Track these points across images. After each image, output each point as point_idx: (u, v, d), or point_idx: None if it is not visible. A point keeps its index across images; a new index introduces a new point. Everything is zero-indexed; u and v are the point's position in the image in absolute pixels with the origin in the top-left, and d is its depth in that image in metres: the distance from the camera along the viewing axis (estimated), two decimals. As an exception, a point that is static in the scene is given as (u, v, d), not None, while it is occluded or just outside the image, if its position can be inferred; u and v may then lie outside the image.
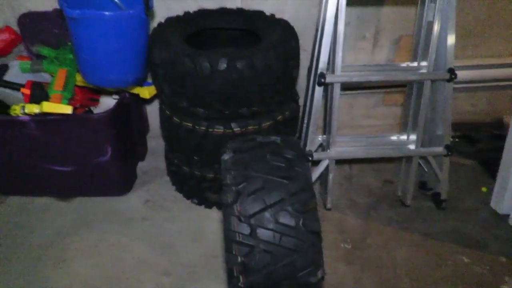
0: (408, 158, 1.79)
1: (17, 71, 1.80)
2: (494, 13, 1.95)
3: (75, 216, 1.80)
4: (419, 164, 1.83)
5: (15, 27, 1.86)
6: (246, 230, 1.03)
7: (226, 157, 1.19)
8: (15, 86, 1.69)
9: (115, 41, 1.34)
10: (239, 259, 1.03)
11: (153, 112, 2.18)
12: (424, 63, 1.64)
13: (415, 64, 1.69)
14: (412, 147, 1.76)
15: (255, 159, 1.16)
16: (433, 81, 1.63)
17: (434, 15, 1.51)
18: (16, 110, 1.60)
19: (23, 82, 1.69)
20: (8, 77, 1.78)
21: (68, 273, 1.55)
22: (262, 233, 1.03)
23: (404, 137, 1.84)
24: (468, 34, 2.00)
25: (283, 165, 1.14)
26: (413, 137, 1.78)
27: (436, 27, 1.52)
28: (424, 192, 1.92)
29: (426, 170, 1.88)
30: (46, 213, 1.82)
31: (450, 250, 1.65)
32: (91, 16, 1.26)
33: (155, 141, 2.22)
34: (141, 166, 2.11)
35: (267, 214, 1.04)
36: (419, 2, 1.64)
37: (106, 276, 1.54)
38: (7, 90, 1.73)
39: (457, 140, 2.18)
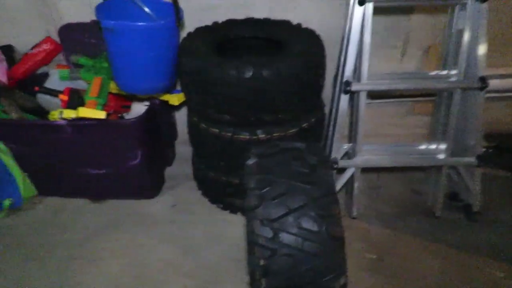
0: (438, 168, 1.74)
1: (57, 78, 1.92)
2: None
3: (106, 218, 1.88)
4: (450, 174, 1.78)
5: (56, 38, 1.98)
6: (268, 233, 1.05)
7: (250, 162, 1.22)
8: (55, 93, 1.79)
9: (147, 50, 1.41)
10: (261, 262, 1.04)
11: (181, 119, 2.25)
12: (454, 72, 1.61)
13: (445, 72, 1.66)
14: (441, 156, 1.72)
15: (279, 164, 1.17)
16: (463, 89, 1.59)
17: (464, 23, 1.49)
18: (55, 116, 1.69)
19: (62, 89, 1.79)
20: (48, 84, 1.90)
21: (99, 272, 1.61)
22: (284, 237, 1.04)
23: (433, 146, 1.79)
24: (498, 42, 1.94)
25: (306, 170, 1.15)
26: (442, 146, 1.74)
27: (466, 35, 1.49)
28: (455, 204, 1.86)
29: (456, 180, 1.82)
30: (80, 214, 1.91)
31: (483, 264, 1.58)
32: (125, 26, 1.33)
33: (183, 147, 2.28)
34: (169, 171, 2.17)
35: (290, 219, 1.06)
36: (449, 10, 1.61)
37: (134, 276, 1.59)
38: (47, 97, 1.84)
39: (489, 150, 2.10)
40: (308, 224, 1.04)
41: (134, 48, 1.38)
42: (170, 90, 1.78)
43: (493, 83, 1.56)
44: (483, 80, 1.51)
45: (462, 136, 1.72)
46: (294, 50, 1.51)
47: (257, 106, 1.46)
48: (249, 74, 1.39)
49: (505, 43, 1.94)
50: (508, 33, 1.92)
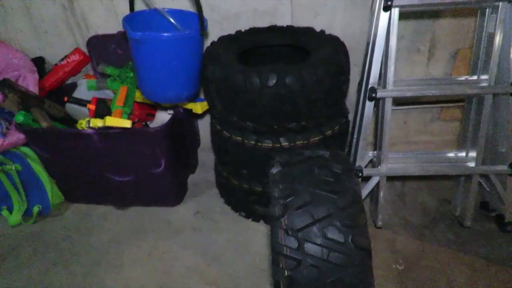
0: (467, 177, 1.68)
1: (84, 88, 1.98)
2: None
3: (130, 224, 1.90)
4: (480, 183, 1.71)
5: (84, 49, 2.04)
6: (293, 244, 1.03)
7: (274, 170, 1.21)
8: (83, 102, 1.85)
9: (173, 60, 1.43)
10: (286, 272, 1.02)
11: (203, 126, 2.27)
12: (484, 77, 1.56)
13: (475, 77, 1.60)
14: (471, 164, 1.66)
15: (303, 173, 1.16)
16: (495, 95, 1.53)
17: (495, 26, 1.44)
18: (83, 124, 1.74)
19: (89, 98, 1.84)
20: (76, 94, 1.96)
21: (124, 277, 1.63)
22: (309, 247, 1.02)
23: (462, 154, 1.74)
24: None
25: (331, 179, 1.13)
26: (472, 154, 1.68)
27: (498, 39, 1.44)
28: (486, 213, 1.79)
29: (488, 189, 1.75)
30: (105, 220, 1.94)
31: (516, 277, 1.51)
32: (152, 37, 1.36)
33: (205, 155, 2.30)
34: (191, 178, 2.18)
35: (315, 229, 1.04)
36: (479, 13, 1.56)
37: (158, 282, 1.60)
38: (76, 106, 1.89)
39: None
40: (334, 235, 1.02)
41: (161, 58, 1.40)
42: (194, 98, 1.80)
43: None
44: (516, 85, 1.45)
45: (492, 143, 1.65)
46: (318, 57, 1.49)
47: (280, 113, 1.45)
48: (272, 81, 1.39)
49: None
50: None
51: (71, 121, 1.96)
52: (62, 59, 2.04)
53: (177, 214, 1.95)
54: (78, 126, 1.76)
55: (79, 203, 2.06)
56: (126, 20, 1.42)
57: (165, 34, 1.35)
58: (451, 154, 1.76)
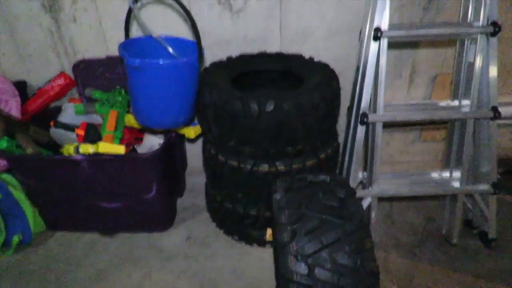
0: (453, 196, 1.76)
1: (70, 112, 1.93)
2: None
3: (119, 252, 1.84)
4: (464, 201, 1.80)
5: (70, 73, 2.00)
6: (304, 269, 1.04)
7: (278, 196, 1.22)
8: (70, 127, 1.80)
9: (171, 87, 1.43)
10: (297, 299, 1.03)
11: (191, 149, 2.26)
12: (465, 102, 1.66)
13: (456, 102, 1.71)
14: (456, 184, 1.74)
15: (308, 198, 1.18)
16: (476, 119, 1.63)
17: (475, 56, 1.55)
18: (70, 150, 1.68)
19: (74, 123, 1.79)
20: (62, 118, 1.91)
21: (115, 310, 1.57)
22: (320, 273, 1.03)
23: (446, 174, 1.82)
24: (508, 71, 2.02)
25: (336, 204, 1.16)
26: (456, 174, 1.76)
27: (477, 67, 1.55)
28: (469, 230, 1.87)
29: (471, 208, 1.84)
30: (91, 248, 1.87)
31: (503, 292, 1.58)
32: (150, 64, 1.36)
33: (193, 178, 2.28)
34: (180, 202, 2.15)
35: (324, 254, 1.05)
36: (458, 43, 1.68)
37: (152, 314, 1.55)
38: (62, 131, 1.84)
39: (499, 176, 2.13)
40: (343, 259, 1.04)
41: (159, 85, 1.40)
42: (189, 123, 1.80)
43: (502, 110, 1.61)
44: (496, 110, 1.55)
45: (475, 163, 1.75)
46: (312, 83, 1.54)
47: (278, 138, 1.48)
48: (270, 107, 1.42)
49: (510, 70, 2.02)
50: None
51: (56, 146, 1.90)
52: (47, 83, 1.99)
53: (168, 240, 1.91)
54: (65, 152, 1.71)
55: (63, 231, 1.97)
56: (123, 47, 1.42)
57: (165, 61, 1.35)
58: (435, 175, 1.84)
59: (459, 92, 1.69)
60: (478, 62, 1.54)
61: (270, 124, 1.44)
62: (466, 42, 1.62)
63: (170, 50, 1.56)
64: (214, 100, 1.47)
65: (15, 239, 1.85)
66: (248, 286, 1.64)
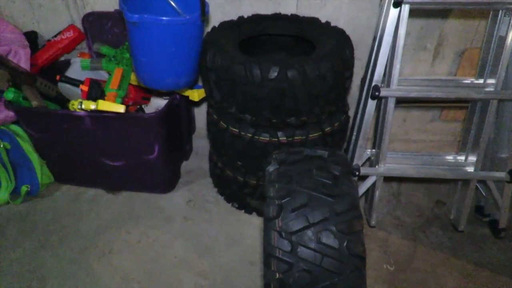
0: (465, 181, 1.66)
1: (78, 67, 1.90)
2: None
3: (121, 209, 1.87)
4: (476, 187, 1.69)
5: (79, 26, 1.96)
6: (286, 246, 1.00)
7: (271, 168, 1.17)
8: (75, 82, 1.78)
9: (171, 46, 1.36)
10: (277, 275, 1.00)
11: (199, 112, 2.22)
12: (491, 81, 1.51)
13: (481, 81, 1.56)
14: (470, 169, 1.64)
15: (301, 173, 1.12)
16: (500, 101, 1.50)
17: (507, 30, 1.39)
18: (74, 105, 1.67)
19: (82, 78, 1.77)
20: (69, 73, 1.88)
21: (112, 264, 1.61)
22: (303, 251, 0.99)
23: (461, 157, 1.71)
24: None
25: (329, 181, 1.10)
26: (472, 158, 1.65)
27: (509, 43, 1.39)
28: (480, 218, 1.78)
29: (484, 194, 1.74)
30: (95, 203, 1.91)
31: (505, 284, 1.51)
32: (149, 20, 1.29)
33: (200, 141, 2.25)
34: (185, 165, 2.15)
35: (309, 233, 1.01)
36: (491, 15, 1.51)
37: (147, 271, 1.58)
38: (69, 86, 1.82)
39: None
40: (329, 240, 1.00)
41: (158, 43, 1.34)
42: (192, 85, 1.74)
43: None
44: (523, 92, 1.41)
45: (493, 148, 1.62)
46: (322, 51, 1.44)
47: (280, 107, 1.41)
48: (274, 74, 1.34)
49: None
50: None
51: (64, 100, 1.90)
52: (56, 35, 1.96)
53: (169, 201, 1.92)
54: (70, 107, 1.70)
55: (70, 184, 2.02)
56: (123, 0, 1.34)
57: (164, 18, 1.28)
58: (450, 157, 1.73)
59: (486, 70, 1.54)
60: (511, 37, 1.38)
61: (273, 92, 1.36)
62: (500, 14, 1.45)
63: (173, 4, 1.48)
64: (216, 63, 1.40)
65: (24, 188, 1.91)
66: (242, 253, 1.65)
